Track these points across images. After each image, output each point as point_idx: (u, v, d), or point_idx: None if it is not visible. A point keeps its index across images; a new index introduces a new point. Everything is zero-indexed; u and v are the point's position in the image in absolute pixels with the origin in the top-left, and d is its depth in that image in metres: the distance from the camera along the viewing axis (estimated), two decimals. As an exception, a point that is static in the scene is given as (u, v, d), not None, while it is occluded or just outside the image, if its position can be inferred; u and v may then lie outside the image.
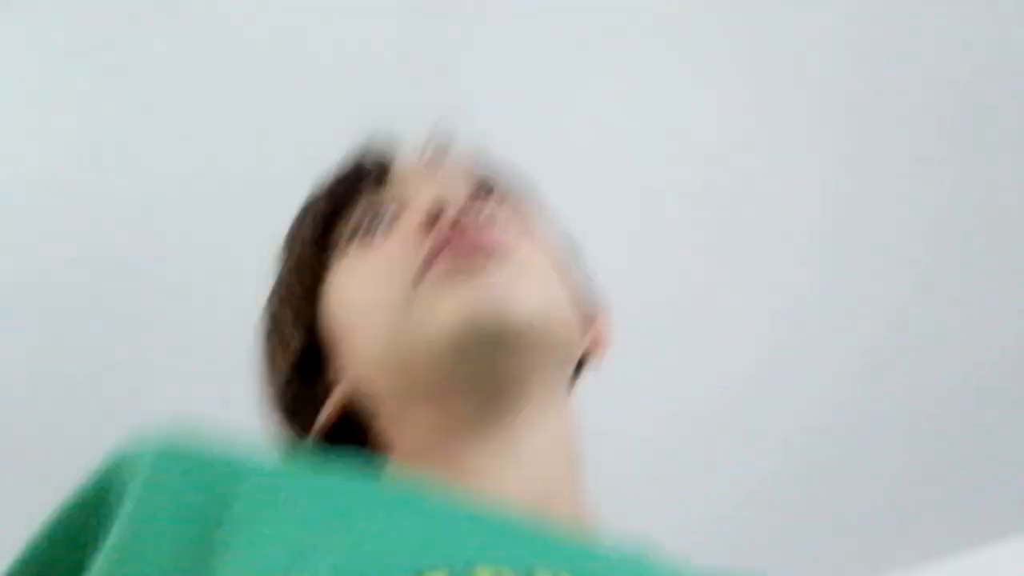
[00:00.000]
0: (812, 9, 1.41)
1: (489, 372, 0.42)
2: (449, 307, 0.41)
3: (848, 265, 1.62)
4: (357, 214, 0.48)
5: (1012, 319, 1.67)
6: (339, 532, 0.34)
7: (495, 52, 1.44)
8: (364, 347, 0.45)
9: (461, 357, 0.41)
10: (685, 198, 1.54)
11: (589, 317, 0.50)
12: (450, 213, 0.43)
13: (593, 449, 0.50)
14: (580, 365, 0.50)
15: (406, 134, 0.52)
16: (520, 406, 0.43)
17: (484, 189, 0.48)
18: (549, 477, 0.44)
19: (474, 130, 0.56)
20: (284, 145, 1.44)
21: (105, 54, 1.42)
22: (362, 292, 0.46)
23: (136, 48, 1.39)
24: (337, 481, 0.39)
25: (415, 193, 0.46)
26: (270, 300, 0.51)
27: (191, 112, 1.45)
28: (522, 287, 0.42)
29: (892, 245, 1.60)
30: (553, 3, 1.41)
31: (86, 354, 1.58)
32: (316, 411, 0.46)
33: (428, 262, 0.42)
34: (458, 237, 0.42)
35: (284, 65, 1.44)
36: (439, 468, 0.42)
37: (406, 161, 0.49)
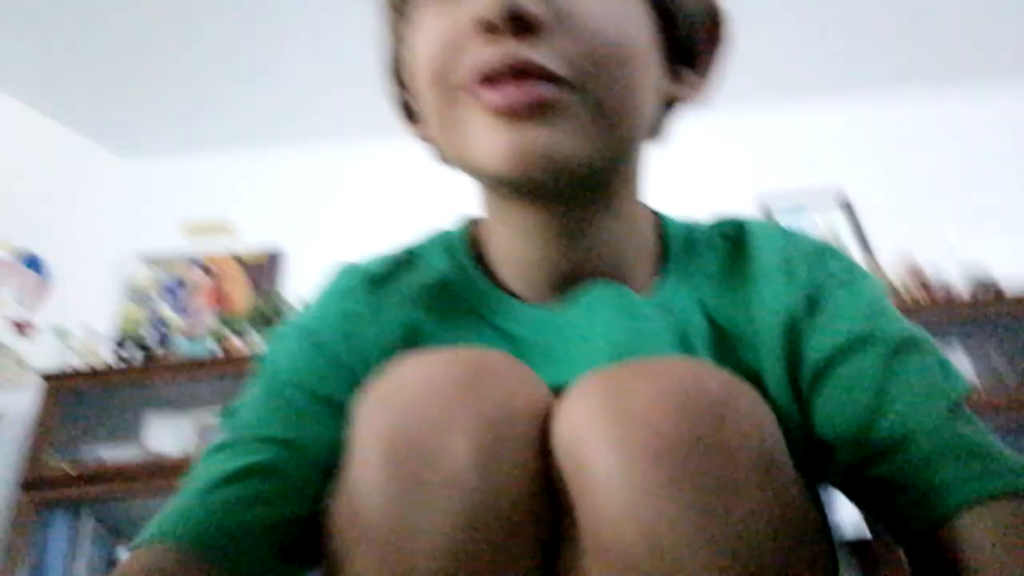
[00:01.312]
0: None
1: (534, 200, 0.51)
2: (491, 144, 0.46)
3: None
4: None
5: None
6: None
7: None
8: (429, 117, 0.53)
9: (507, 186, 0.51)
10: None
11: (690, 52, 0.54)
12: (504, 41, 0.45)
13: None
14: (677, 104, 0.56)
15: None
16: (575, 214, 0.52)
17: None
18: (616, 256, 0.54)
19: None
20: None
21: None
22: (424, 56, 0.50)
23: None
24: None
25: None
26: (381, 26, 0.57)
27: None
28: (558, 140, 0.46)
29: None
30: None
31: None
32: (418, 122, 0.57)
33: (480, 82, 0.46)
34: (512, 86, 0.45)
35: None
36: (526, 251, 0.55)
37: None
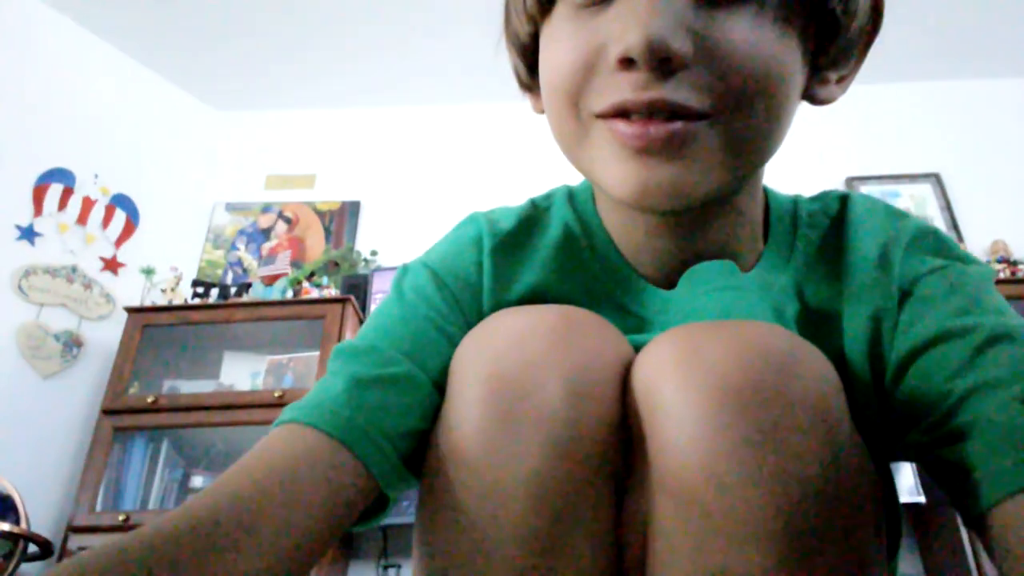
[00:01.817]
0: None
1: (658, 236, 0.55)
2: (622, 175, 0.46)
3: None
4: None
5: None
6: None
7: None
8: (553, 128, 0.54)
9: (631, 222, 0.56)
10: None
11: (839, 56, 0.50)
12: (645, 77, 0.43)
13: None
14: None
15: None
16: (696, 217, 0.53)
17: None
18: (728, 240, 0.54)
19: None
20: None
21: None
22: (557, 73, 0.49)
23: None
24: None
25: None
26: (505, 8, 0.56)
27: None
28: (688, 178, 0.45)
29: None
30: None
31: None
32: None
33: (611, 115, 0.46)
34: (643, 128, 0.44)
35: None
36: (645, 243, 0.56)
37: None
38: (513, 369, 0.43)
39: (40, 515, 2.14)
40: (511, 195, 2.83)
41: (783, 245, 0.57)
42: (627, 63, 0.43)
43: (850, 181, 2.90)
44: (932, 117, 3.05)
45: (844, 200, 0.59)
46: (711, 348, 0.40)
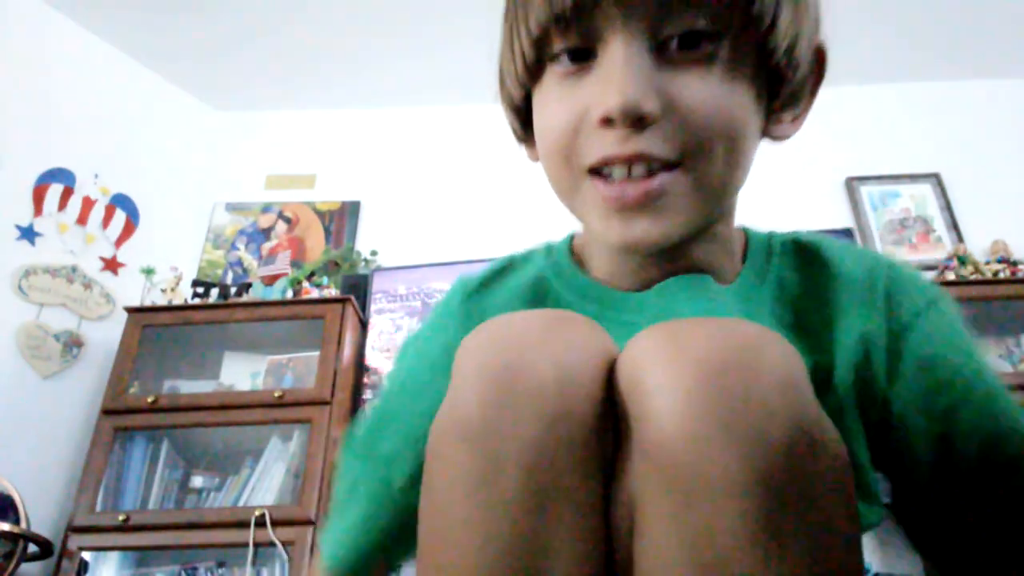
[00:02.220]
0: None
1: (641, 264, 0.60)
2: (606, 229, 0.54)
3: None
4: (568, 40, 0.52)
5: None
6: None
7: None
8: (552, 184, 0.60)
9: (618, 255, 0.61)
10: None
11: (792, 98, 0.57)
12: (623, 134, 0.51)
13: None
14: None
15: None
16: (675, 255, 0.59)
17: (685, 42, 0.50)
18: (706, 265, 0.60)
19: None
20: None
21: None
22: (552, 134, 0.55)
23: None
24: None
25: (611, 55, 0.50)
26: (500, 56, 0.61)
27: None
28: (666, 226, 0.53)
29: None
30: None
31: None
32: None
33: (597, 169, 0.53)
34: (622, 188, 0.52)
35: None
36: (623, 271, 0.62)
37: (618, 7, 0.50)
38: (509, 353, 0.47)
39: (40, 515, 2.14)
40: (511, 195, 2.86)
41: (760, 265, 0.62)
42: (607, 122, 0.51)
43: (850, 181, 2.90)
44: (932, 117, 3.05)
45: (815, 238, 0.64)
46: (690, 333, 0.44)
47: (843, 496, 0.43)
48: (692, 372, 0.42)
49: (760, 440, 0.40)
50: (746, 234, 0.66)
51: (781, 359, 0.43)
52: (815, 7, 0.56)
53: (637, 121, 0.50)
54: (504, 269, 0.68)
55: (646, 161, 0.51)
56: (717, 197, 0.55)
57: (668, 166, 0.51)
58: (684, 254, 0.59)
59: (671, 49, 0.51)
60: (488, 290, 0.67)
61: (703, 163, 0.52)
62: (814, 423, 0.42)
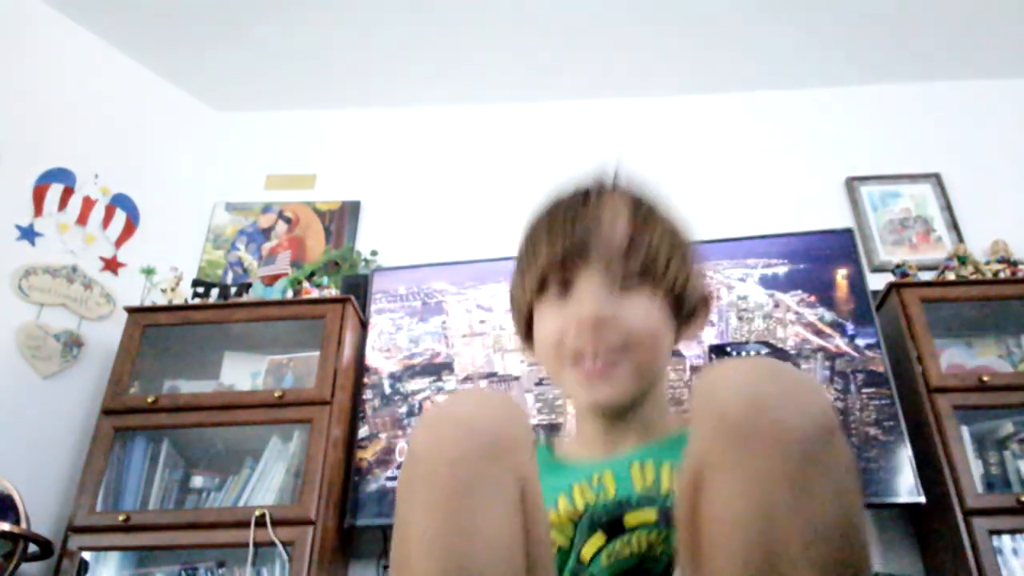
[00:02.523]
0: None
1: (606, 417, 0.84)
2: (583, 396, 0.81)
3: None
4: (561, 275, 0.81)
5: None
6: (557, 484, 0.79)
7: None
8: (545, 367, 0.85)
9: (591, 414, 0.85)
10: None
11: (689, 316, 0.86)
12: (592, 332, 0.78)
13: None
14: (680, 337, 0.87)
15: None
16: (627, 417, 0.83)
17: (625, 283, 0.80)
18: (648, 419, 0.84)
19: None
20: None
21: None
22: (545, 338, 0.83)
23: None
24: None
25: (582, 288, 0.80)
26: (517, 262, 0.92)
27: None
28: (622, 388, 0.79)
29: None
30: None
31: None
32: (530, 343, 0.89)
33: (576, 362, 0.79)
34: (591, 367, 0.78)
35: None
36: (583, 432, 0.88)
37: (586, 258, 0.80)
38: (439, 411, 0.65)
39: (40, 515, 2.14)
40: (510, 195, 2.87)
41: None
42: (581, 329, 0.78)
43: (850, 181, 2.90)
44: (932, 117, 3.05)
45: None
46: (746, 361, 0.62)
47: (852, 472, 0.57)
48: (755, 368, 0.58)
49: (803, 415, 0.54)
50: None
51: (814, 378, 0.65)
52: (697, 266, 0.87)
53: (596, 326, 0.77)
54: None
55: (605, 352, 0.78)
56: (646, 376, 0.82)
57: (616, 354, 0.78)
58: (631, 414, 0.83)
59: (617, 283, 0.79)
60: None
61: (637, 353, 0.79)
62: (834, 418, 0.57)
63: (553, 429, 2.21)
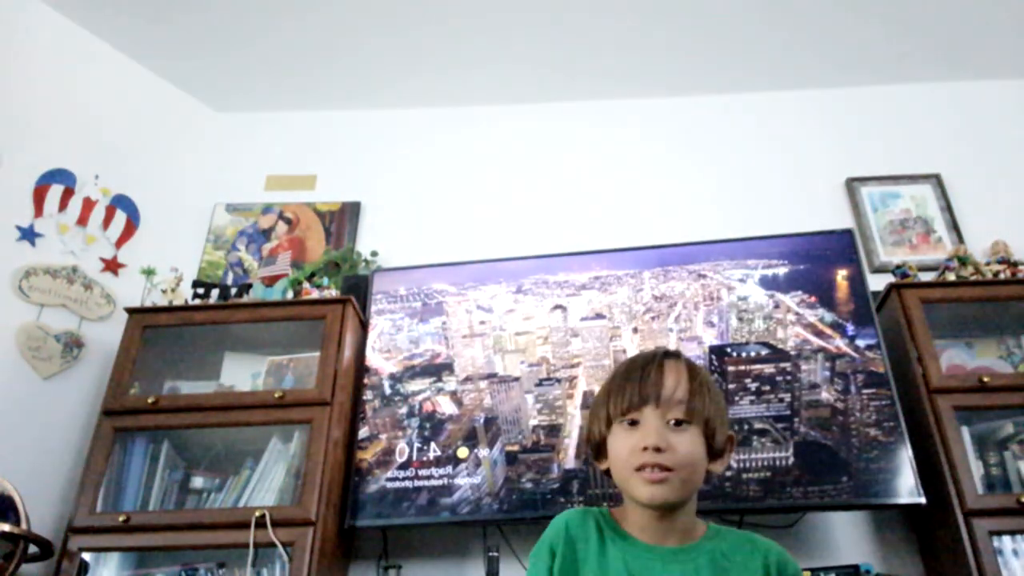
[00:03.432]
0: None
1: (654, 510, 1.09)
2: (644, 494, 1.07)
3: None
4: (631, 414, 1.12)
5: None
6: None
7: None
8: (615, 475, 1.13)
9: (646, 509, 1.10)
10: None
11: (719, 453, 1.14)
12: (653, 454, 1.06)
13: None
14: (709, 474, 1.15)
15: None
16: (670, 513, 1.10)
17: (678, 421, 1.09)
18: (682, 524, 1.11)
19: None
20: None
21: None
22: (618, 453, 1.11)
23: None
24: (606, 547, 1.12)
25: (647, 423, 1.10)
26: (594, 403, 1.22)
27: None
28: (670, 492, 1.06)
29: None
30: None
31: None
32: (599, 460, 1.19)
33: (640, 468, 1.07)
34: (652, 469, 1.06)
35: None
36: (638, 523, 1.12)
37: (651, 403, 1.11)
38: None
39: (40, 515, 2.15)
40: (511, 196, 2.87)
41: (711, 537, 1.14)
42: (645, 449, 1.07)
43: (850, 181, 2.90)
44: (932, 117, 3.05)
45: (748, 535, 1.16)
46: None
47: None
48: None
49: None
50: (708, 524, 1.18)
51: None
52: (723, 414, 1.16)
53: (656, 449, 1.06)
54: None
55: (660, 467, 1.06)
56: (688, 488, 1.09)
57: (668, 469, 1.06)
58: (675, 513, 1.10)
59: (671, 423, 1.10)
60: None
61: (682, 472, 1.07)
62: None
63: (553, 430, 2.22)
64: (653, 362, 1.15)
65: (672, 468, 1.06)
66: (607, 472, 1.17)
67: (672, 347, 2.26)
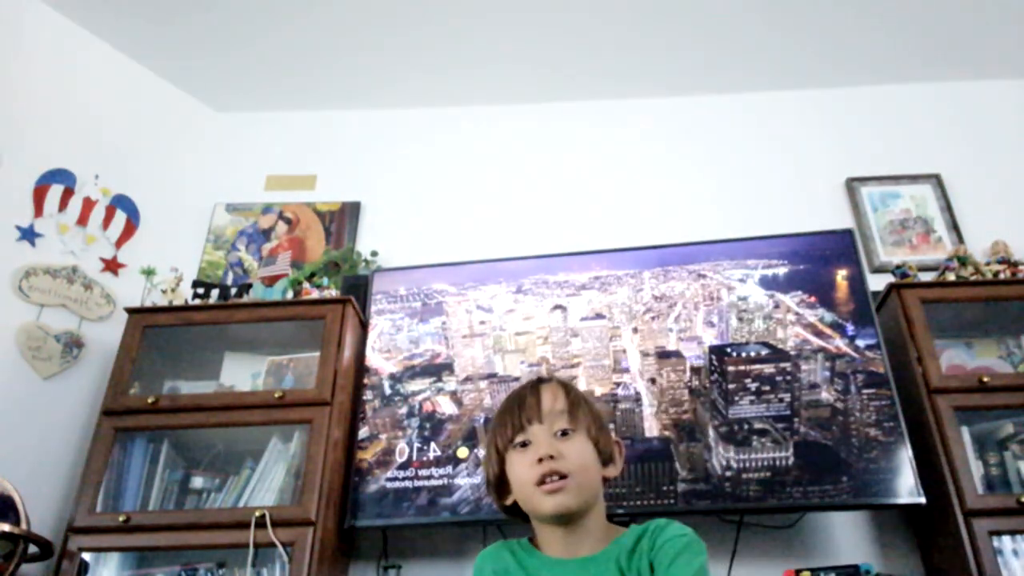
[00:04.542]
0: None
1: (561, 523, 1.14)
2: (548, 506, 1.12)
3: None
4: (520, 437, 1.18)
5: None
6: None
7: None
8: (520, 499, 1.18)
9: (551, 521, 1.14)
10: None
11: (609, 459, 1.21)
12: (547, 463, 1.12)
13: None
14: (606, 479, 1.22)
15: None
16: (576, 523, 1.14)
17: (564, 431, 1.17)
18: (591, 533, 1.15)
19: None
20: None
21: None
22: (518, 475, 1.17)
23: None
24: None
25: (536, 438, 1.17)
26: (485, 448, 1.32)
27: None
28: (571, 498, 1.11)
29: None
30: None
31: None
32: (503, 499, 1.24)
33: (539, 483, 1.12)
34: (550, 481, 1.12)
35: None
36: (550, 541, 1.17)
37: (535, 421, 1.19)
38: None
39: (40, 515, 2.15)
40: (511, 196, 2.87)
41: (617, 544, 1.15)
42: (540, 461, 1.13)
43: (850, 181, 2.90)
44: (932, 117, 3.05)
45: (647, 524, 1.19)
46: None
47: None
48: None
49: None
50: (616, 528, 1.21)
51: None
52: (603, 422, 1.25)
53: (550, 458, 1.13)
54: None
55: (557, 474, 1.12)
56: (585, 496, 1.13)
57: (564, 476, 1.12)
58: (581, 523, 1.14)
59: (557, 434, 1.17)
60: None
61: (577, 478, 1.13)
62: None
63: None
64: (527, 389, 1.25)
65: (567, 474, 1.12)
66: (512, 507, 1.23)
67: (672, 347, 2.27)
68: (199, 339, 2.50)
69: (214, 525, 2.07)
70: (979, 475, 2.01)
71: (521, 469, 1.16)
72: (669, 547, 1.08)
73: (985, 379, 2.08)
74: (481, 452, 2.21)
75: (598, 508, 1.18)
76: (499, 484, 1.23)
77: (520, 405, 1.22)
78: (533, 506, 1.15)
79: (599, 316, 2.38)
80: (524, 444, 1.18)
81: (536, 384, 1.26)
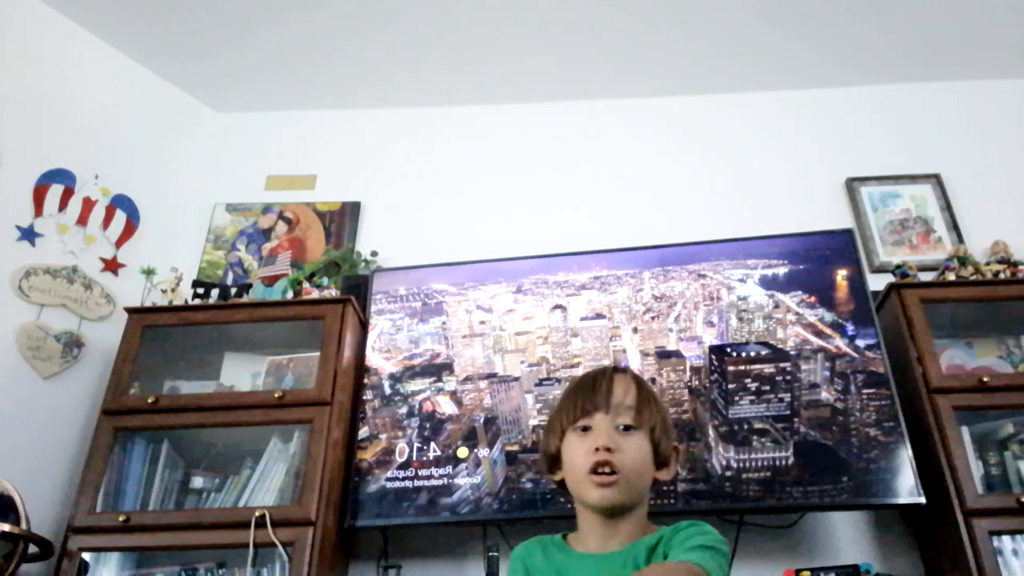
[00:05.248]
0: None
1: (604, 514, 1.16)
2: (595, 497, 1.14)
3: None
4: (583, 421, 1.19)
5: None
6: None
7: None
8: (569, 481, 1.20)
9: (594, 510, 1.16)
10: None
11: (664, 463, 1.21)
12: (603, 454, 1.13)
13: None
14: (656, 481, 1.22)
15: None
16: (617, 517, 1.16)
17: (627, 427, 1.18)
18: (628, 529, 1.16)
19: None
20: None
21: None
22: (572, 459, 1.18)
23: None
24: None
25: (598, 427, 1.17)
26: (549, 419, 1.30)
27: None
28: (618, 495, 1.13)
29: None
30: None
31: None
32: (553, 472, 1.26)
33: (591, 471, 1.14)
34: (602, 472, 1.13)
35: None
36: (586, 528, 1.20)
37: (601, 409, 1.19)
38: None
39: (40, 515, 2.14)
40: (511, 196, 2.87)
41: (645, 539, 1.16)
42: (597, 450, 1.14)
43: (850, 181, 2.90)
44: (932, 117, 3.05)
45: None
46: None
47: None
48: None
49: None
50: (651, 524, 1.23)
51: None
52: (668, 425, 1.24)
53: (607, 450, 1.13)
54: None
55: (610, 466, 1.13)
56: (634, 492, 1.15)
57: (617, 472, 1.13)
58: (621, 519, 1.15)
59: (620, 428, 1.17)
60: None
61: (630, 476, 1.14)
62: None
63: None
64: (603, 375, 1.24)
65: (620, 471, 1.13)
66: (560, 484, 1.24)
67: (672, 347, 2.27)
68: (199, 339, 2.50)
69: (214, 525, 2.07)
70: (979, 475, 2.01)
71: (577, 453, 1.17)
72: (683, 534, 1.09)
73: (985, 379, 2.08)
74: (482, 452, 2.21)
75: (641, 507, 1.19)
76: (554, 459, 1.24)
77: (591, 389, 1.22)
78: (580, 492, 1.17)
79: (599, 316, 2.38)
80: (586, 429, 1.18)
81: (611, 372, 1.25)
